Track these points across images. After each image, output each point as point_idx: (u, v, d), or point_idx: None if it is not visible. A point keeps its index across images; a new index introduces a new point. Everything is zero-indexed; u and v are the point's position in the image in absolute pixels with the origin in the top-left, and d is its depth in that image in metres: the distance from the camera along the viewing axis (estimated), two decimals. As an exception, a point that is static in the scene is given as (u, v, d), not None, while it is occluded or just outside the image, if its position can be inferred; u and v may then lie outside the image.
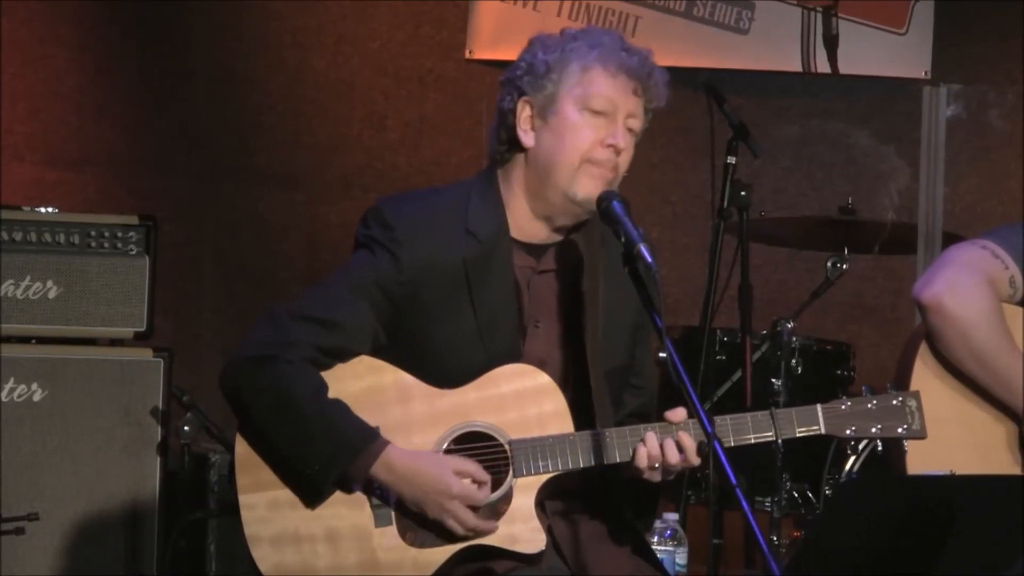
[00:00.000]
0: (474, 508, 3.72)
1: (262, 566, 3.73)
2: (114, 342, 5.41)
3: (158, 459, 5.33)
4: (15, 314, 5.32)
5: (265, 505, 3.75)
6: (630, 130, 3.82)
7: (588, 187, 3.79)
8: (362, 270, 3.80)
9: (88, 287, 5.37)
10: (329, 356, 3.77)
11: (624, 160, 3.82)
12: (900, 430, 3.85)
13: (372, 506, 3.74)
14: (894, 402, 3.85)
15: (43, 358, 5.30)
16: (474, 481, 3.72)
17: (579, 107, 3.79)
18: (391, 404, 3.76)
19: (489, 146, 3.92)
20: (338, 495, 3.74)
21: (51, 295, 5.35)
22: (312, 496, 3.74)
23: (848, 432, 3.83)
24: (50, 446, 5.28)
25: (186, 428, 5.33)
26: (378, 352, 3.81)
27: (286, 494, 3.75)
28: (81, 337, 5.38)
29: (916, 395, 3.87)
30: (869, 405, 3.84)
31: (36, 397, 5.29)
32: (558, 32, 3.91)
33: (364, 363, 3.79)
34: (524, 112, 3.83)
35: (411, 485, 3.70)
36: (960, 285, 4.28)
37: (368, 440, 3.69)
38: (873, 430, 3.84)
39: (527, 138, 3.83)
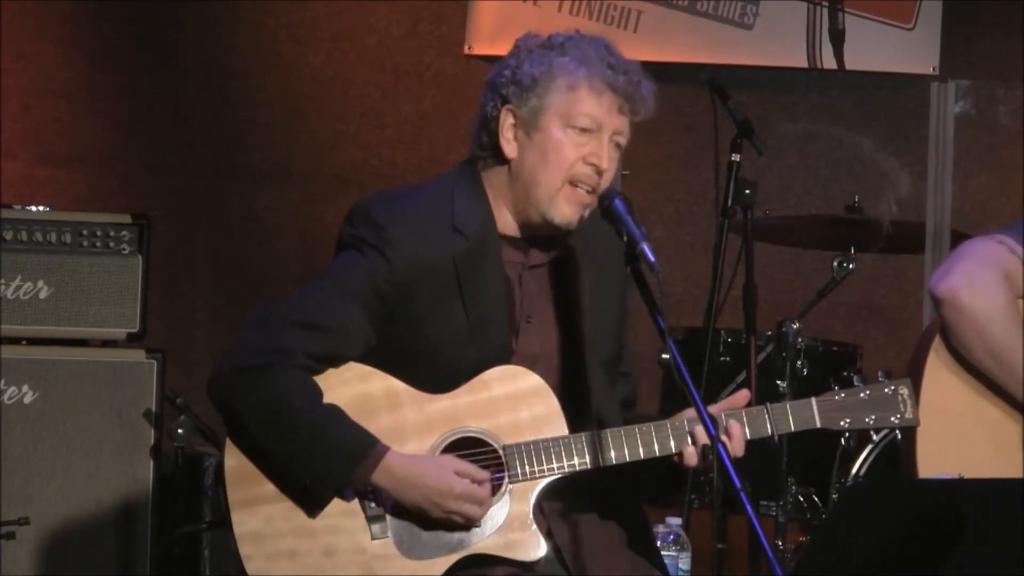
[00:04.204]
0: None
1: None
2: (106, 343, 5.39)
3: (151, 462, 5.30)
4: (6, 315, 5.30)
5: (258, 522, 3.69)
6: (617, 145, 3.82)
7: (567, 213, 3.79)
8: (353, 273, 3.77)
9: (80, 287, 5.35)
10: (321, 362, 3.72)
11: (606, 180, 3.81)
12: (893, 419, 3.88)
13: (368, 518, 3.69)
14: (886, 391, 3.87)
15: (34, 359, 5.28)
16: (474, 481, 3.68)
17: (563, 125, 3.78)
18: (381, 411, 3.71)
19: (472, 145, 3.90)
20: (334, 508, 3.69)
21: (42, 295, 5.33)
22: (310, 507, 3.69)
23: (843, 424, 3.85)
24: (41, 449, 5.25)
25: (180, 431, 5.32)
26: (368, 354, 3.77)
27: (280, 508, 3.69)
28: (73, 338, 5.35)
29: (907, 382, 3.89)
30: (862, 395, 3.86)
31: (27, 399, 5.27)
32: (546, 37, 3.87)
33: (353, 370, 3.74)
34: (507, 121, 3.82)
35: (413, 489, 3.67)
36: (977, 279, 4.28)
37: (367, 448, 3.65)
38: (867, 420, 3.86)
39: (510, 148, 3.82)
